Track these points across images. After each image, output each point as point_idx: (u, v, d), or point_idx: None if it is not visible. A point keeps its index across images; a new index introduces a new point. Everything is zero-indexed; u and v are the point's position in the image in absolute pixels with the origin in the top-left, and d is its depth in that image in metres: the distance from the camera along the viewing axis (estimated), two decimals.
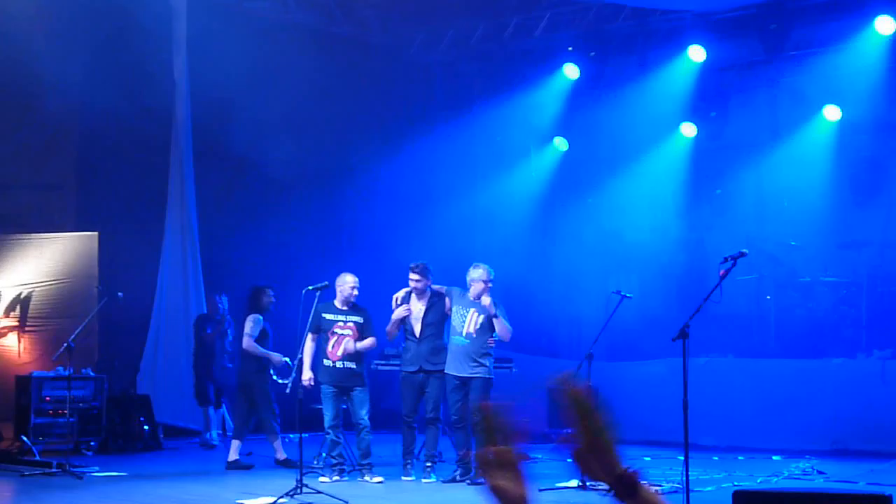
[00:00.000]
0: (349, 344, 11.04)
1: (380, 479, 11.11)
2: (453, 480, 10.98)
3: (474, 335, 10.98)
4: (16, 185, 15.27)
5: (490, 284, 11.02)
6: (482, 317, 11.00)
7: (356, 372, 11.13)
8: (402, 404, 11.42)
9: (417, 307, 11.28)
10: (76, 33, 14.78)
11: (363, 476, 11.12)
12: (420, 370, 11.22)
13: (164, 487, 10.83)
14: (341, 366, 11.08)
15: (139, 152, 15.02)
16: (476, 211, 18.16)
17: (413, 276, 11.22)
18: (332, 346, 11.07)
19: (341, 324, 11.12)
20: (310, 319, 10.83)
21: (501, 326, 10.98)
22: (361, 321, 11.19)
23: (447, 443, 12.44)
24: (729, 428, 13.97)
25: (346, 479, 11.08)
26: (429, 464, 11.22)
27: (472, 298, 11.03)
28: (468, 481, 10.88)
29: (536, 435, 15.16)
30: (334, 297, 11.25)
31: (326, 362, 11.09)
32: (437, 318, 11.27)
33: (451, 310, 11.21)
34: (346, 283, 11.22)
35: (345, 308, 11.20)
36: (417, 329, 11.23)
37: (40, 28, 14.32)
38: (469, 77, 18.78)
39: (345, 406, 11.22)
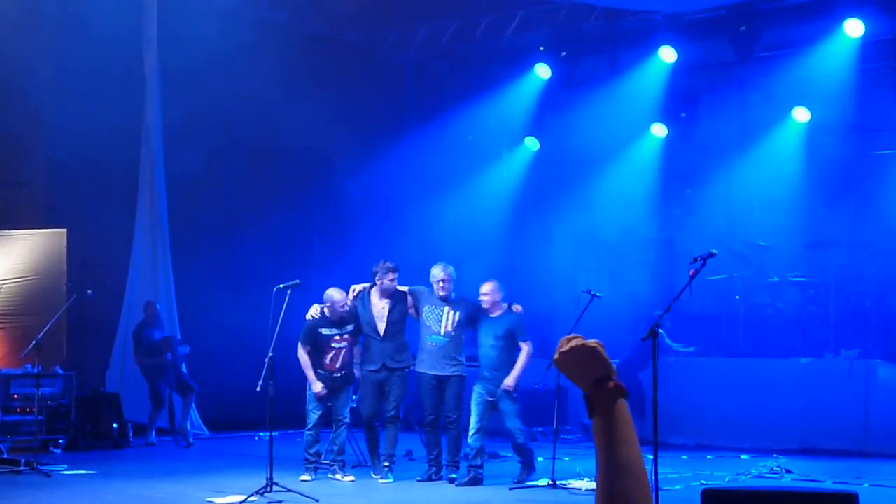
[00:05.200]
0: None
1: (351, 477, 11.09)
2: (429, 479, 10.91)
3: (452, 333, 10.89)
4: None
5: (445, 282, 10.91)
6: (457, 314, 10.91)
7: (348, 377, 11.22)
8: (362, 406, 11.30)
9: (381, 305, 11.16)
10: (46, 29, 14.71)
11: (335, 473, 11.11)
12: (383, 367, 11.08)
13: (134, 486, 10.78)
14: (338, 375, 11.16)
15: (109, 149, 14.92)
16: (447, 210, 18.17)
17: (395, 274, 11.12)
18: (330, 360, 11.15)
19: (338, 337, 11.18)
20: (302, 334, 11.08)
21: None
22: (352, 328, 11.24)
23: (418, 442, 12.41)
24: (698, 427, 14.04)
25: (318, 477, 11.06)
26: (386, 463, 11.09)
27: (437, 298, 10.99)
28: (443, 480, 10.83)
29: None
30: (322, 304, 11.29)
31: (321, 371, 11.13)
32: (401, 317, 11.18)
33: (412, 308, 11.14)
34: (336, 302, 11.18)
35: (337, 320, 11.23)
36: (382, 327, 11.09)
37: (9, 24, 14.22)
38: (440, 76, 18.80)
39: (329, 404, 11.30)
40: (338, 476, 11.07)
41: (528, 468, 10.83)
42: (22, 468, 11.52)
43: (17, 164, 15.46)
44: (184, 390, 14.58)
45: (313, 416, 11.08)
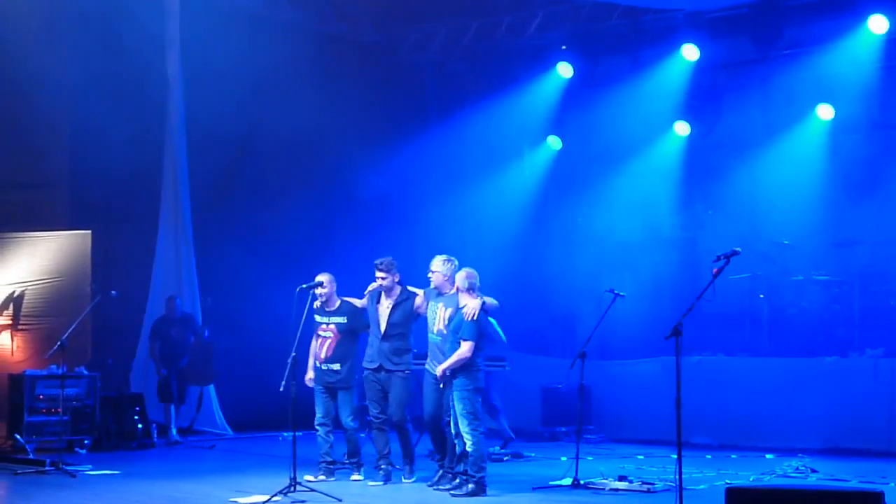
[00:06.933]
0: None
1: (360, 477, 11.07)
2: (437, 482, 10.58)
3: (445, 332, 10.36)
4: (8, 183, 15.24)
5: (432, 273, 10.53)
6: (449, 309, 10.39)
7: (338, 374, 11.11)
8: (368, 405, 11.15)
9: (385, 304, 10.99)
10: (69, 31, 14.79)
11: (352, 474, 11.12)
12: (381, 368, 10.91)
13: (158, 486, 10.83)
14: (325, 368, 11.13)
15: (132, 150, 14.99)
16: (469, 210, 18.16)
17: (378, 273, 10.89)
18: (319, 348, 11.21)
19: (324, 326, 11.19)
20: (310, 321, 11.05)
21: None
22: (344, 321, 11.15)
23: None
24: (722, 426, 13.99)
25: (338, 478, 11.06)
26: (408, 465, 11.02)
27: (436, 295, 10.65)
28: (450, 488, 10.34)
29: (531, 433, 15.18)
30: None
31: (317, 363, 11.19)
32: (403, 319, 10.91)
33: (420, 308, 10.88)
34: (321, 285, 11.20)
35: (330, 309, 11.20)
36: (383, 326, 10.92)
37: (33, 26, 14.31)
38: (461, 76, 18.77)
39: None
40: (354, 476, 11.09)
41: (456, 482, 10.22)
42: (47, 468, 11.59)
43: (42, 166, 15.55)
44: (179, 395, 14.72)
45: (316, 413, 11.17)
